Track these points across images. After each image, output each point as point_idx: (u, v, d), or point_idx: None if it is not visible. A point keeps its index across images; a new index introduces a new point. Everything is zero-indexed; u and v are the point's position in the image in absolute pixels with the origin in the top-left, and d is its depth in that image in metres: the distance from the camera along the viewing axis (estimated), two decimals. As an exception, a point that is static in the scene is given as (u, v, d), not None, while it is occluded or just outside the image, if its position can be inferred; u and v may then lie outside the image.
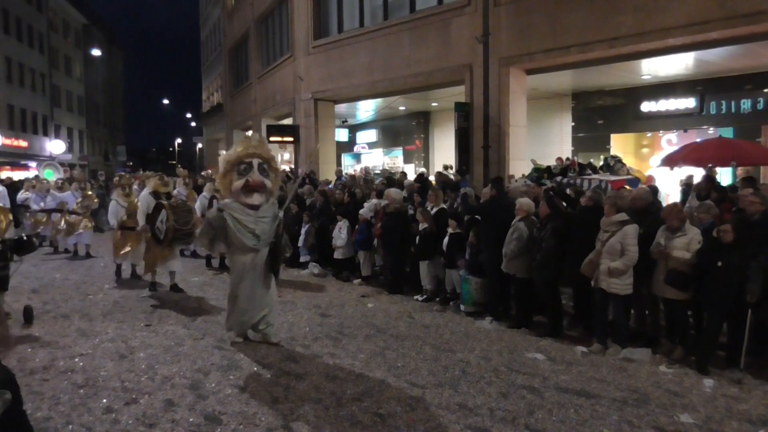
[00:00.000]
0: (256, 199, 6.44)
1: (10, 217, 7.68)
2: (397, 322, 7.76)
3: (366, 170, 20.97)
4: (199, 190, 13.49)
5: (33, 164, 37.79)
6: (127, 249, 10.19)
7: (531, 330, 7.30)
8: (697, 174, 11.38)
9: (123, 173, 18.14)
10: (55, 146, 42.50)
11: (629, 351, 6.33)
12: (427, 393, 5.32)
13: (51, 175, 22.57)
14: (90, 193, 14.49)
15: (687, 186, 11.35)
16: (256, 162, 6.45)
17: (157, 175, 10.22)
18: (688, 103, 16.22)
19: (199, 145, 59.09)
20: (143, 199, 9.37)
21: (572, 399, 5.21)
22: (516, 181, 12.04)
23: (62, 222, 13.47)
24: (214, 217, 6.50)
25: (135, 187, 13.68)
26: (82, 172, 22.72)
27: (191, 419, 4.80)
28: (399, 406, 5.03)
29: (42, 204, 14.59)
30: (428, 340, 6.92)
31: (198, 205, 11.56)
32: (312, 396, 5.24)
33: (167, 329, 7.44)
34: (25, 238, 7.29)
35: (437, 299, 8.76)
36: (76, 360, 6.21)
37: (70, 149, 46.01)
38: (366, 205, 10.34)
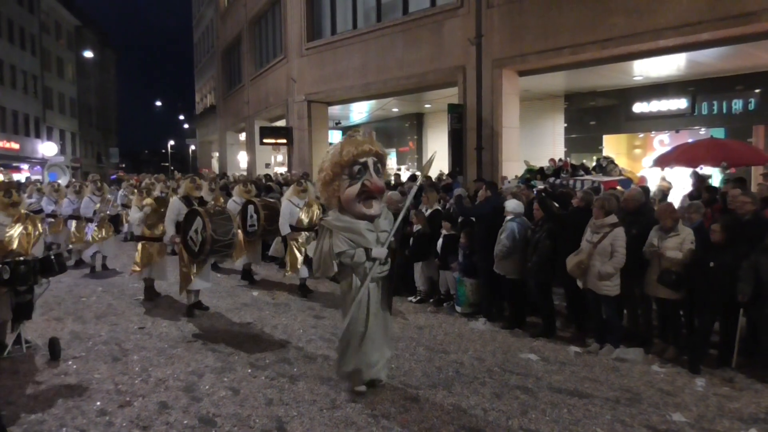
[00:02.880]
0: (375, 208, 5.17)
1: (41, 228, 6.68)
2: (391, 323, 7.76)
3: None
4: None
5: (25, 166, 37.65)
6: (150, 263, 8.95)
7: (524, 331, 7.32)
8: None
9: (121, 173, 17.33)
10: (48, 148, 42.29)
11: (622, 351, 6.36)
12: (421, 394, 5.33)
13: (54, 178, 21.74)
14: (109, 197, 12.50)
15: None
16: (371, 161, 5.15)
17: (188, 177, 9.09)
18: (680, 103, 16.32)
19: (192, 147, 59.00)
20: (173, 205, 8.34)
21: (565, 399, 5.24)
22: (509, 182, 12.09)
23: (79, 231, 11.80)
24: (339, 251, 5.08)
25: (156, 191, 12.95)
26: (97, 174, 20.83)
27: (185, 421, 4.80)
28: (393, 407, 5.04)
29: (53, 209, 12.71)
30: (422, 342, 6.93)
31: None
32: (306, 398, 5.25)
33: (161, 331, 7.43)
34: (53, 256, 6.31)
35: (431, 300, 8.77)
36: (70, 363, 6.19)
37: (62, 151, 45.80)
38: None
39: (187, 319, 8.03)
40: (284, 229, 9.22)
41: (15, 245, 6.21)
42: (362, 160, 5.10)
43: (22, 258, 6.02)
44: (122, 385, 5.57)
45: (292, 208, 9.25)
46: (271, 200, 10.14)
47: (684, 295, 6.12)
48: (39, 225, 6.62)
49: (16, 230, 6.30)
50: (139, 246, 8.98)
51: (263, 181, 16.36)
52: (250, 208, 9.74)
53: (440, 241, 8.40)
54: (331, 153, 5.25)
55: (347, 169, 5.11)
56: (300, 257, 9.18)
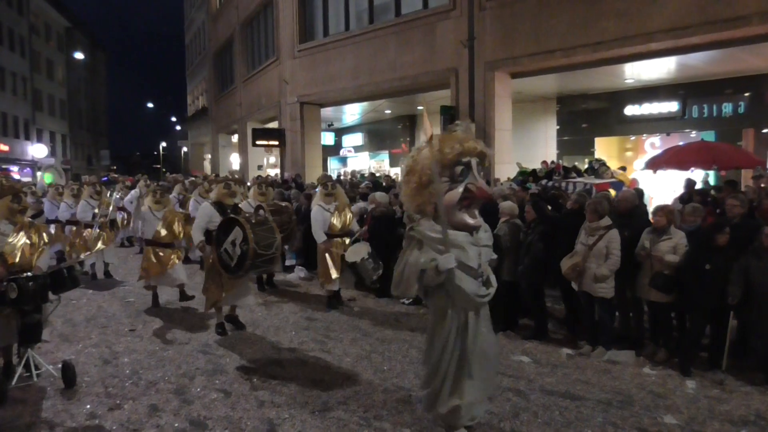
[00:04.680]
0: (479, 218, 4.30)
1: (46, 238, 5.95)
2: (384, 325, 7.76)
3: (353, 174, 20.98)
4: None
5: (14, 168, 37.37)
6: (157, 270, 8.54)
7: (516, 333, 7.33)
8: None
9: (112, 175, 16.71)
10: (37, 150, 42.05)
11: (613, 353, 6.37)
12: (414, 396, 5.31)
13: (51, 179, 20.62)
14: (108, 200, 11.82)
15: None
16: (474, 162, 4.24)
17: (221, 180, 8.00)
18: (671, 106, 16.43)
19: (184, 149, 58.79)
20: (203, 212, 7.43)
21: (557, 401, 5.24)
22: (501, 184, 12.11)
23: (78, 237, 11.08)
24: (431, 263, 4.05)
25: (174, 193, 11.99)
26: (95, 176, 19.07)
27: (176, 424, 4.77)
28: (385, 409, 5.03)
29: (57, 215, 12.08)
30: (414, 344, 6.92)
31: None
32: (298, 400, 5.23)
33: (151, 334, 7.39)
34: (64, 269, 5.53)
35: (423, 303, 8.74)
36: (59, 366, 6.13)
37: (52, 153, 45.55)
38: (353, 206, 10.28)
39: (217, 337, 7.26)
40: (319, 236, 8.49)
41: (18, 258, 5.52)
42: (465, 159, 4.21)
43: (31, 274, 5.33)
44: (112, 388, 5.53)
45: (323, 213, 8.51)
46: (282, 204, 9.55)
47: (675, 298, 6.14)
48: (44, 234, 5.91)
49: (19, 240, 5.57)
50: (150, 252, 8.58)
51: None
52: (260, 212, 9.24)
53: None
54: (426, 151, 4.32)
55: (448, 170, 4.20)
56: (333, 267, 8.45)
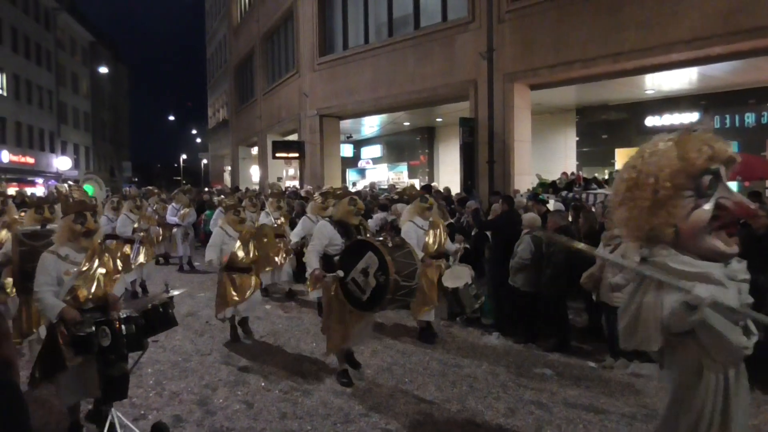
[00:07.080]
0: (733, 244, 3.00)
1: (120, 264, 5.09)
2: (405, 337, 7.75)
3: (372, 185, 21.05)
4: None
5: (40, 180, 38.05)
6: (235, 299, 7.28)
7: (539, 345, 7.29)
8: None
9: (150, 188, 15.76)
10: (62, 163, 42.81)
11: (637, 365, 6.30)
12: (435, 408, 5.31)
13: (92, 191, 19.62)
14: (148, 214, 11.28)
15: None
16: (724, 171, 3.11)
17: (345, 194, 6.32)
18: (692, 117, 16.27)
19: (204, 161, 59.48)
20: (321, 232, 6.02)
21: (581, 414, 5.19)
22: (521, 196, 12.10)
23: (118, 252, 9.89)
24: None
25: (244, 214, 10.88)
26: (136, 189, 17.86)
27: (200, 435, 4.80)
28: (407, 421, 5.02)
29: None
30: (435, 355, 6.91)
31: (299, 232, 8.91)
32: (320, 412, 5.25)
33: (174, 345, 7.45)
34: (160, 307, 4.51)
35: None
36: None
37: (76, 165, 46.33)
38: (374, 216, 10.31)
39: (340, 383, 5.95)
40: None
41: (93, 290, 4.55)
42: (714, 167, 3.07)
43: (125, 315, 4.28)
44: (136, 399, 5.59)
45: (417, 231, 7.28)
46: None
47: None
48: (118, 261, 5.04)
49: (93, 270, 4.59)
50: (224, 277, 7.35)
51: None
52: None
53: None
54: (662, 157, 3.14)
55: (693, 182, 3.03)
56: (430, 294, 7.32)
